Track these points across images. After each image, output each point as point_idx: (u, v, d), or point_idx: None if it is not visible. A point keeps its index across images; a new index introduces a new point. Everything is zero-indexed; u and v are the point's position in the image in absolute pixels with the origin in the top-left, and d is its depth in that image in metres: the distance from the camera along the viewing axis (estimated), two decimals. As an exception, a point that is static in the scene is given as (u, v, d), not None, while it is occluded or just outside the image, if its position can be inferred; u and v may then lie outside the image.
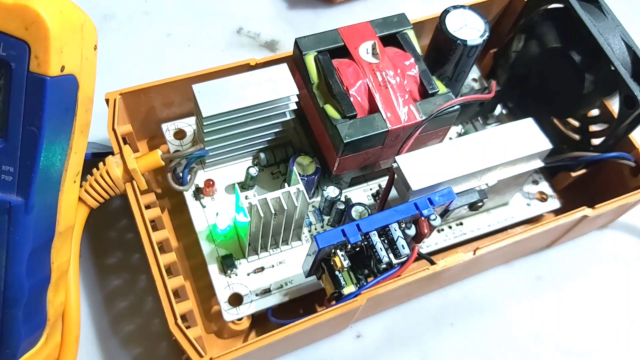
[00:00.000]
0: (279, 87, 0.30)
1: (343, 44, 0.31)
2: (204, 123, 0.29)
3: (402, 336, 0.33)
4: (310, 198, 0.32)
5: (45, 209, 0.24)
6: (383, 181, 0.35)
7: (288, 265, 0.31)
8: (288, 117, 0.32)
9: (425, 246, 0.33)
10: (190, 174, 0.32)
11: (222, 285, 0.30)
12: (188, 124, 0.34)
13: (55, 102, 0.22)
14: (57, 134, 0.23)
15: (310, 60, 0.31)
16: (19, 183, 0.22)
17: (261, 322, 0.31)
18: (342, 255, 0.26)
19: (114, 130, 0.30)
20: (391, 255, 0.26)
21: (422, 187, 0.28)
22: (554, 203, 0.36)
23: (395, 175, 0.29)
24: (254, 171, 0.32)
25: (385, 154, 0.32)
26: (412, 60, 0.31)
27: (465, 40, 0.32)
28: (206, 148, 0.31)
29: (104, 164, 0.29)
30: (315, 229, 0.33)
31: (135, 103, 0.33)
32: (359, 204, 0.31)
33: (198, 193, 0.32)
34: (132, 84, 0.32)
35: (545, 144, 0.31)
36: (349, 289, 0.27)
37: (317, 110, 0.31)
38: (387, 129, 0.29)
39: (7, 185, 0.22)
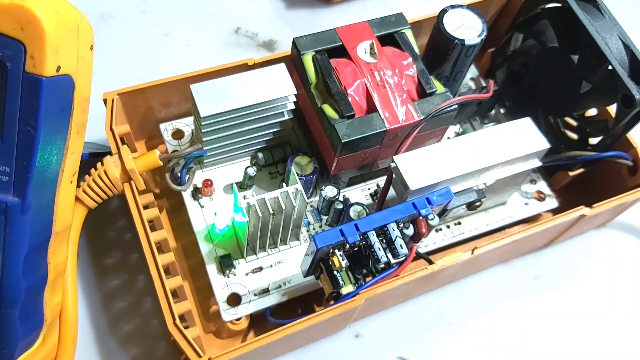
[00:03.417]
0: (277, 87, 0.30)
1: (341, 43, 0.31)
2: (202, 123, 0.29)
3: (400, 336, 0.33)
4: (308, 198, 0.32)
5: (42, 209, 0.24)
6: (381, 181, 0.35)
7: (286, 265, 0.31)
8: (286, 117, 0.32)
9: (424, 246, 0.33)
10: (189, 174, 0.32)
11: (221, 285, 0.30)
12: (186, 124, 0.34)
13: (51, 102, 0.22)
14: (53, 134, 0.23)
15: (308, 60, 0.31)
16: (15, 183, 0.22)
17: (260, 322, 0.31)
18: (340, 255, 0.26)
19: (111, 130, 0.30)
20: (389, 255, 0.26)
21: (420, 187, 0.28)
22: (552, 202, 0.36)
23: (394, 175, 0.29)
24: (252, 171, 0.32)
25: (383, 154, 0.32)
26: (410, 59, 0.31)
27: (463, 40, 0.32)
28: (204, 148, 0.31)
29: (102, 164, 0.29)
30: (314, 229, 0.33)
31: (133, 103, 0.33)
32: (357, 203, 0.31)
33: (196, 193, 0.32)
34: (130, 84, 0.32)
35: (543, 144, 0.31)
36: (347, 288, 0.27)
37: (315, 110, 0.31)
38: (385, 129, 0.29)
39: (3, 186, 0.22)
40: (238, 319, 0.29)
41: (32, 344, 0.26)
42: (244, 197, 0.28)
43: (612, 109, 0.34)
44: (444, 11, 0.32)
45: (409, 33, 0.33)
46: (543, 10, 0.35)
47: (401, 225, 0.27)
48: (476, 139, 0.30)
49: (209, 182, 0.32)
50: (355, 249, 0.27)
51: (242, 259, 0.31)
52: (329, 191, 0.31)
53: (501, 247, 0.30)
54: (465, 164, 0.29)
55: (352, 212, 0.31)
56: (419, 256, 0.28)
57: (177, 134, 0.34)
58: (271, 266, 0.31)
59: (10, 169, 0.22)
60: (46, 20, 0.20)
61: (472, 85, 0.39)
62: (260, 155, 0.33)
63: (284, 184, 0.29)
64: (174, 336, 0.26)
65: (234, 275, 0.30)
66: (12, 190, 0.22)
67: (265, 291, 0.30)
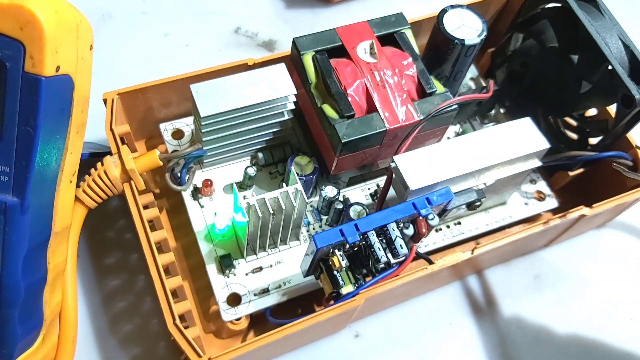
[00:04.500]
0: (277, 87, 0.30)
1: (341, 43, 0.31)
2: (202, 123, 0.29)
3: (400, 336, 0.33)
4: (308, 198, 0.32)
5: (41, 209, 0.24)
6: (381, 181, 0.35)
7: (286, 265, 0.31)
8: (286, 117, 0.32)
9: (424, 246, 0.33)
10: (189, 174, 0.32)
11: (221, 285, 0.30)
12: (186, 124, 0.34)
13: (51, 102, 0.22)
14: (53, 134, 0.23)
15: (308, 60, 0.31)
16: (14, 183, 0.22)
17: (260, 322, 0.31)
18: (340, 255, 0.26)
19: (111, 130, 0.30)
20: (389, 255, 0.26)
21: (420, 187, 0.28)
22: (552, 202, 0.36)
23: (393, 175, 0.29)
24: (252, 171, 0.32)
25: (383, 154, 0.32)
26: (410, 59, 0.31)
27: (463, 40, 0.31)
28: (204, 148, 0.31)
29: (102, 164, 0.29)
30: (314, 229, 0.33)
31: (133, 103, 0.33)
32: (357, 203, 0.31)
33: (196, 193, 0.32)
34: (130, 84, 0.32)
35: (543, 143, 0.31)
36: (347, 288, 0.27)
37: (315, 110, 0.31)
38: (385, 129, 0.29)
39: (2, 186, 0.22)
40: (238, 319, 0.29)
41: (31, 344, 0.26)
42: (244, 197, 0.28)
43: (612, 109, 0.34)
44: (444, 11, 0.32)
45: (409, 33, 0.33)
46: (543, 10, 0.35)
47: (401, 225, 0.27)
48: (476, 139, 0.30)
49: (209, 182, 0.32)
50: (355, 249, 0.27)
51: (242, 259, 0.31)
52: (329, 191, 0.31)
53: (501, 247, 0.30)
54: (465, 164, 0.29)
55: (352, 212, 0.31)
56: (419, 256, 0.28)
57: (177, 134, 0.34)
58: (271, 266, 0.31)
59: (10, 169, 0.22)
60: (45, 20, 0.20)
61: (472, 85, 0.39)
62: (260, 155, 0.33)
63: (284, 184, 0.29)
64: (174, 336, 0.26)
65: (234, 275, 0.30)
66: (11, 190, 0.22)
67: (265, 291, 0.30)
